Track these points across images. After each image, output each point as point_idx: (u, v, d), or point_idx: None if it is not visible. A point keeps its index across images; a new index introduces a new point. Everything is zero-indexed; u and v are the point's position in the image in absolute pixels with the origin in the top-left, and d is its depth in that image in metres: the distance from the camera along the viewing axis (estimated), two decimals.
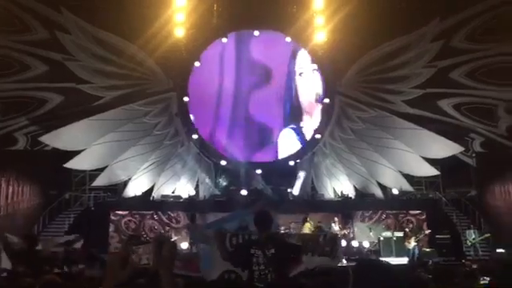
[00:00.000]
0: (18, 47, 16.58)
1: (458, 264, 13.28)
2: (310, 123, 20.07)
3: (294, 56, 19.96)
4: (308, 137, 19.97)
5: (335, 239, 7.11)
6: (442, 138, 18.40)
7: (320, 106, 19.86)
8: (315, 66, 19.68)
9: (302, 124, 20.17)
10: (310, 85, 20.02)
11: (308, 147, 19.84)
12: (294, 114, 20.12)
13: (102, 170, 18.72)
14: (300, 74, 20.06)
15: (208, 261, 6.48)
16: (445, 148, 18.64)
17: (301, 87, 20.09)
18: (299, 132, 20.11)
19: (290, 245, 5.89)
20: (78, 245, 9.41)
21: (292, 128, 20.08)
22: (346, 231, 16.67)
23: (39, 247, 7.20)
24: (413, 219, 18.45)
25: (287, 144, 19.98)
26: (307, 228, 15.64)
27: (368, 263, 2.84)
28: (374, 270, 2.59)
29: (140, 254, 2.25)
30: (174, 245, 2.30)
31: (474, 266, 9.41)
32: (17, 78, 17.01)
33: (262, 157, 19.82)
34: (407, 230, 17.23)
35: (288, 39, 19.54)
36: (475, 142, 18.87)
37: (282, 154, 19.96)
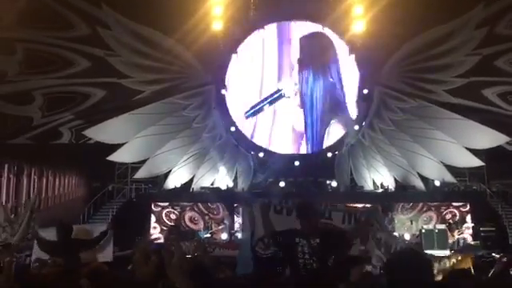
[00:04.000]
0: (61, 44, 17.04)
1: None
2: (351, 114, 19.81)
3: (333, 46, 19.68)
4: (347, 128, 19.72)
5: (375, 212, 7.12)
6: (487, 127, 17.83)
7: (360, 97, 19.57)
8: (353, 57, 19.38)
9: (342, 115, 19.90)
10: (350, 75, 19.73)
11: (347, 138, 19.61)
12: (334, 105, 19.86)
13: (143, 162, 19.15)
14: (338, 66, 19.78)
15: (244, 265, 6.55)
16: (490, 138, 18.05)
17: (342, 78, 19.81)
18: (339, 123, 19.88)
19: (335, 233, 5.85)
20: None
21: (331, 119, 19.85)
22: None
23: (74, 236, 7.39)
24: (455, 211, 18.01)
25: (326, 135, 19.80)
26: None
27: (404, 254, 2.80)
28: (409, 261, 2.56)
29: None
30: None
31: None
32: (61, 74, 17.51)
33: (301, 148, 19.75)
34: (451, 221, 16.87)
35: (326, 29, 19.32)
36: None
37: (321, 146, 19.80)
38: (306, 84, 19.62)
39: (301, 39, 19.44)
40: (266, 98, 19.45)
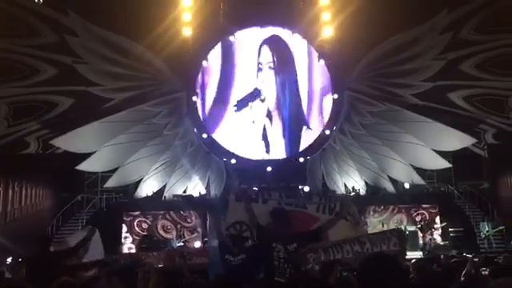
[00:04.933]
0: (27, 52, 16.68)
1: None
2: (320, 119, 19.98)
3: (302, 52, 19.85)
4: (318, 133, 19.86)
5: (348, 203, 7.12)
6: (454, 130, 18.27)
7: (329, 102, 19.77)
8: (323, 62, 19.60)
9: (312, 120, 20.06)
10: (319, 80, 19.92)
11: (318, 143, 19.75)
12: (304, 110, 19.99)
13: (113, 171, 18.82)
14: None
15: (217, 266, 6.52)
16: (456, 140, 18.52)
17: (311, 83, 19.97)
18: (309, 128, 20.02)
19: (311, 234, 5.86)
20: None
21: (302, 124, 19.97)
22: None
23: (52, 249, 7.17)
24: (425, 213, 18.34)
25: (297, 141, 19.90)
26: None
27: (374, 258, 2.81)
28: (380, 265, 2.57)
29: None
30: None
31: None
32: (27, 82, 17.13)
33: (273, 154, 19.78)
34: (423, 223, 17.17)
35: (296, 36, 19.50)
36: (487, 134, 18.70)
37: (292, 151, 19.88)
38: (274, 88, 19.72)
39: (261, 44, 19.50)
40: (246, 96, 19.42)
